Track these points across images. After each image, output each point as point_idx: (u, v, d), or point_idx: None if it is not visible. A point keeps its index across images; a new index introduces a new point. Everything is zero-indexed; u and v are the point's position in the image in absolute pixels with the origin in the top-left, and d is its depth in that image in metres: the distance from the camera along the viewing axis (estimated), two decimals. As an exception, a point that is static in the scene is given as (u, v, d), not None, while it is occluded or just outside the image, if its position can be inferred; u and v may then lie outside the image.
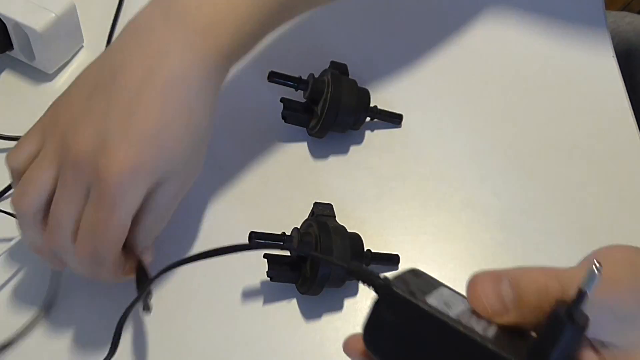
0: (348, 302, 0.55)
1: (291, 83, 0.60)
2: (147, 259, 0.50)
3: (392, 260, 0.56)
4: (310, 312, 0.54)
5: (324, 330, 0.53)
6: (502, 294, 0.33)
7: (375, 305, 0.34)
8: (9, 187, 0.57)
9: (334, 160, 0.61)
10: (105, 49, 0.50)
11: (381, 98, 0.63)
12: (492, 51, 0.69)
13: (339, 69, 0.61)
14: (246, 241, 0.53)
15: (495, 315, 0.33)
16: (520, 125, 0.65)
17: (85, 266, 0.47)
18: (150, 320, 0.53)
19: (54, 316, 0.52)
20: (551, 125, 0.65)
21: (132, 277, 0.50)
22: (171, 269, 0.45)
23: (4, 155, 0.59)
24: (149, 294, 0.47)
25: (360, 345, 0.35)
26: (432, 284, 0.36)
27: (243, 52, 0.51)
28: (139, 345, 0.52)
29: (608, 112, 0.66)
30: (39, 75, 0.64)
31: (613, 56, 0.69)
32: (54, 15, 0.60)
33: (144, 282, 0.48)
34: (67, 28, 0.62)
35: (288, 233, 0.55)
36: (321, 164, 0.61)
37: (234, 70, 0.52)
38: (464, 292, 0.36)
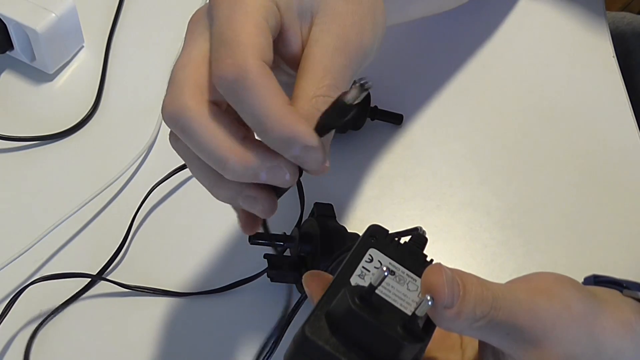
0: (348, 302, 0.55)
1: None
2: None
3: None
4: (311, 312, 0.54)
5: (324, 330, 0.53)
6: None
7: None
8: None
9: (334, 161, 0.61)
10: None
11: (381, 98, 0.63)
12: (491, 51, 0.69)
13: (339, 69, 0.61)
14: (246, 241, 0.52)
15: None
16: (521, 125, 0.65)
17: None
18: (154, 320, 0.53)
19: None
20: (551, 125, 0.65)
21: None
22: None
23: (3, 155, 0.60)
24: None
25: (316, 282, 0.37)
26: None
27: None
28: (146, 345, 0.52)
29: (608, 112, 0.66)
30: (39, 75, 0.64)
31: (613, 56, 0.69)
32: (54, 15, 0.60)
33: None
34: (67, 28, 0.62)
35: (288, 233, 0.55)
36: (321, 164, 0.61)
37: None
38: None
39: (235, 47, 0.36)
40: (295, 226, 0.56)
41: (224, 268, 0.56)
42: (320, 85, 0.37)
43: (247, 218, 0.41)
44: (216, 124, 0.37)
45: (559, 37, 0.71)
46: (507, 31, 0.71)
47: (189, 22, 0.40)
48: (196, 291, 0.55)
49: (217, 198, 0.41)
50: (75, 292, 0.54)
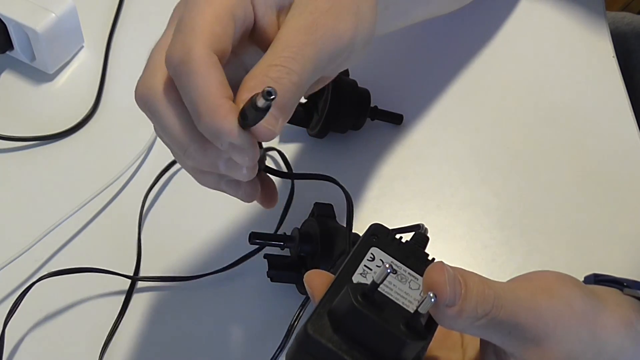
0: (348, 302, 0.55)
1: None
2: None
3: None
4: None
5: (324, 330, 0.53)
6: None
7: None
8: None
9: (334, 161, 0.61)
10: None
11: (381, 98, 0.63)
12: (491, 51, 0.69)
13: (339, 69, 0.61)
14: (246, 241, 0.52)
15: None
16: (521, 125, 0.65)
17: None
18: (150, 317, 0.53)
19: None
20: (551, 125, 0.65)
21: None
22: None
23: (3, 155, 0.60)
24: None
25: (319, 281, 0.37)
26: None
27: None
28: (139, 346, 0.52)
29: (608, 112, 0.66)
30: (39, 75, 0.64)
31: (613, 56, 0.69)
32: (54, 15, 0.60)
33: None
34: (67, 28, 0.62)
35: (288, 233, 0.55)
36: (321, 164, 0.61)
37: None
38: None
39: (186, 33, 0.37)
40: (295, 226, 0.56)
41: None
42: (277, 56, 0.37)
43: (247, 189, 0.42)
44: (182, 109, 0.37)
45: (559, 37, 0.71)
46: (507, 31, 0.71)
47: (174, 9, 0.41)
48: (202, 273, 0.55)
49: (201, 183, 0.42)
50: (124, 298, 0.54)
